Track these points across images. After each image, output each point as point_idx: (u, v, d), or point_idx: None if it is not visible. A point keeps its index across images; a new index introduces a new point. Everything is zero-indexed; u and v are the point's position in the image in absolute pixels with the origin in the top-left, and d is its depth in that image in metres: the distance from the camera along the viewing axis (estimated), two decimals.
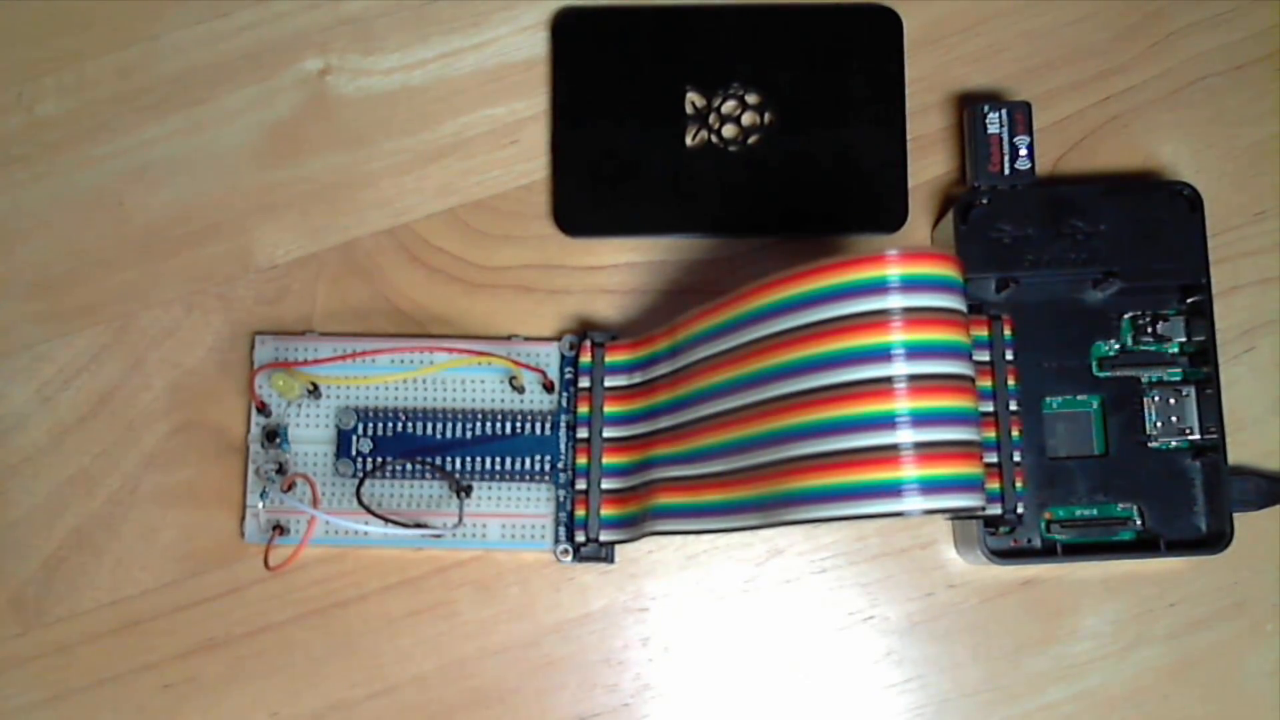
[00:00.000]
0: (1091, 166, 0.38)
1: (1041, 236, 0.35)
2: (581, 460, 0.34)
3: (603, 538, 0.34)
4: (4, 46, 0.38)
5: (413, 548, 0.36)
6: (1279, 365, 0.37)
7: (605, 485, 0.34)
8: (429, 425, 0.35)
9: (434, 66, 0.38)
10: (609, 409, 0.35)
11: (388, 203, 0.37)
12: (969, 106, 0.36)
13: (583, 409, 0.35)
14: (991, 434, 0.34)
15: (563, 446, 0.35)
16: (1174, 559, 0.35)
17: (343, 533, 0.35)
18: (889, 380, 0.28)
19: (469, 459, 0.35)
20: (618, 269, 0.37)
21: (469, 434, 0.35)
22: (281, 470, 0.35)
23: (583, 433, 0.35)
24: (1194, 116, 0.38)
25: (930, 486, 0.27)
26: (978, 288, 0.35)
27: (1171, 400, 0.35)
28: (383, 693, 0.35)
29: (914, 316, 0.28)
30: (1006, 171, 0.35)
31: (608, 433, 0.35)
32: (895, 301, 0.28)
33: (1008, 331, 0.35)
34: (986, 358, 0.34)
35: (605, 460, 0.34)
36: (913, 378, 0.28)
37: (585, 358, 0.35)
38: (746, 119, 0.37)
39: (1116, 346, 0.36)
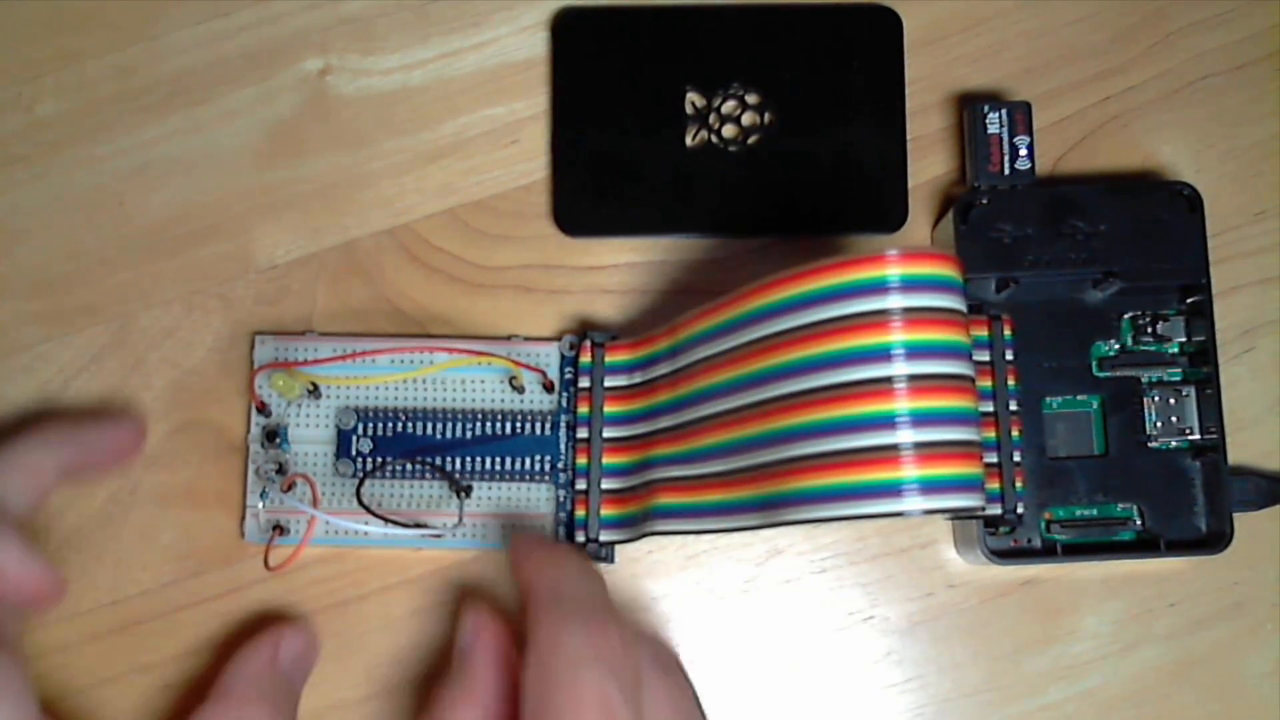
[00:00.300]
0: (1091, 166, 0.38)
1: (1041, 236, 0.35)
2: (581, 460, 0.34)
3: (603, 538, 0.34)
4: (4, 46, 0.38)
5: (413, 548, 0.36)
6: (1279, 365, 0.37)
7: (605, 485, 0.34)
8: (429, 425, 0.35)
9: (434, 66, 0.38)
10: (609, 409, 0.35)
11: (388, 203, 0.37)
12: (969, 106, 0.36)
13: (583, 409, 0.35)
14: (991, 434, 0.34)
15: (563, 446, 0.35)
16: (1174, 559, 0.35)
17: (343, 533, 0.35)
18: (889, 380, 0.28)
19: (469, 459, 0.35)
20: (618, 269, 0.37)
21: (469, 434, 0.35)
22: (281, 470, 0.35)
23: (583, 433, 0.35)
24: (1194, 116, 0.38)
25: (930, 486, 0.27)
26: (978, 288, 0.35)
27: (1171, 400, 0.35)
28: (383, 693, 0.35)
29: (914, 316, 0.28)
30: (1006, 171, 0.35)
31: (608, 433, 0.35)
32: (895, 301, 0.28)
33: (1008, 331, 0.35)
34: (986, 358, 0.34)
35: (605, 460, 0.34)
36: (913, 378, 0.28)
37: (585, 358, 0.35)
38: (746, 119, 0.37)
39: (1116, 346, 0.36)
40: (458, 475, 0.35)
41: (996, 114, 0.35)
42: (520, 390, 0.35)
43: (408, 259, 0.37)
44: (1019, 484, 0.34)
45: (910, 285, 0.28)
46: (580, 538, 0.34)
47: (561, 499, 0.35)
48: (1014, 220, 0.35)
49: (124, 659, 0.35)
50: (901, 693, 0.36)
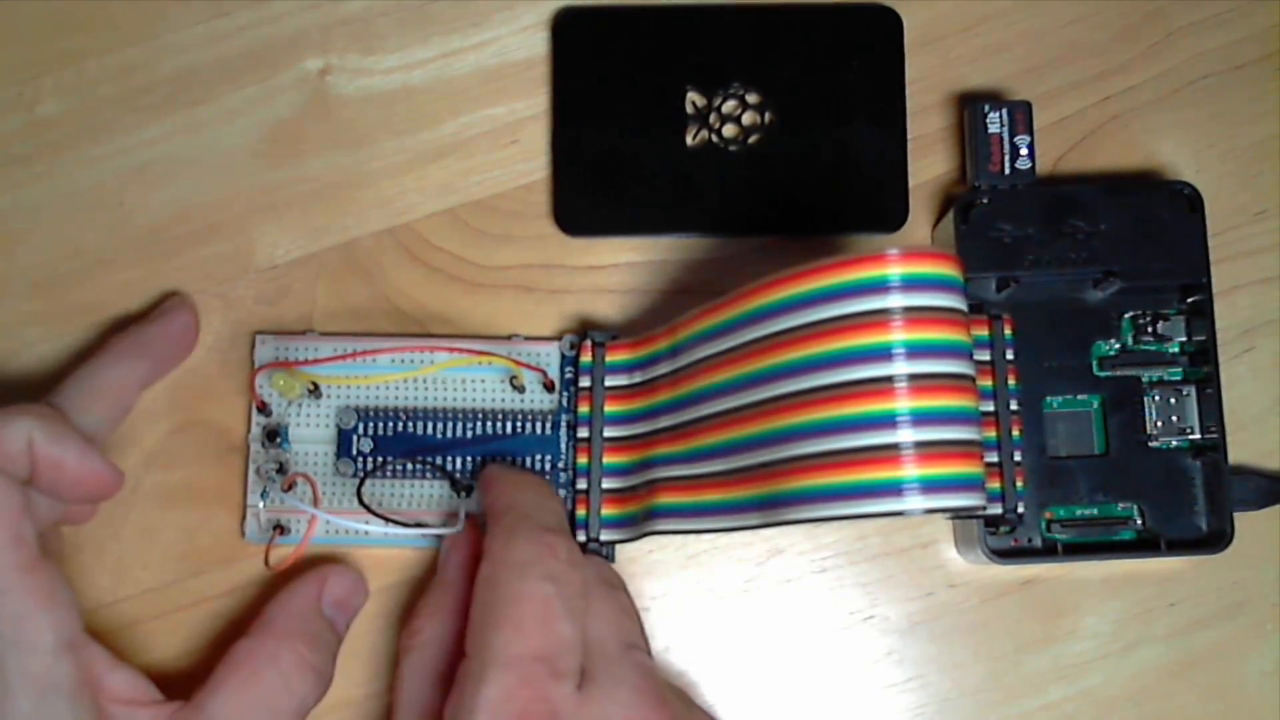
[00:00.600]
0: (1091, 166, 0.38)
1: (1042, 236, 0.35)
2: (582, 460, 0.34)
3: (603, 537, 0.34)
4: (4, 46, 0.38)
5: (413, 547, 0.36)
6: (1279, 365, 0.37)
7: (606, 485, 0.34)
8: (429, 425, 0.35)
9: (434, 66, 0.38)
10: (609, 408, 0.35)
11: (388, 202, 0.37)
12: (969, 106, 0.36)
13: (583, 408, 0.35)
14: (992, 433, 0.34)
15: (563, 446, 0.35)
16: (1174, 559, 0.35)
17: (343, 532, 0.35)
18: (889, 379, 0.28)
19: (469, 458, 0.35)
20: (618, 269, 0.37)
21: (469, 434, 0.35)
22: (282, 470, 0.35)
23: (583, 432, 0.35)
24: (1194, 116, 0.38)
25: (931, 486, 0.27)
26: (978, 287, 0.35)
27: (1172, 400, 0.35)
28: (383, 692, 0.35)
29: (915, 316, 0.28)
30: (1007, 171, 0.35)
31: (608, 432, 0.35)
32: (896, 301, 0.28)
33: (1008, 331, 0.35)
34: (987, 357, 0.34)
35: (606, 460, 0.34)
36: (913, 377, 0.28)
37: (586, 357, 0.35)
38: (747, 119, 0.37)
39: (1117, 346, 0.36)
40: (458, 475, 0.35)
41: (997, 113, 0.35)
42: (521, 390, 0.35)
43: (408, 259, 0.37)
44: (1019, 483, 0.34)
45: (911, 284, 0.28)
46: (581, 537, 0.34)
47: (562, 498, 0.35)
48: (1014, 220, 0.35)
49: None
50: (902, 692, 0.36)
